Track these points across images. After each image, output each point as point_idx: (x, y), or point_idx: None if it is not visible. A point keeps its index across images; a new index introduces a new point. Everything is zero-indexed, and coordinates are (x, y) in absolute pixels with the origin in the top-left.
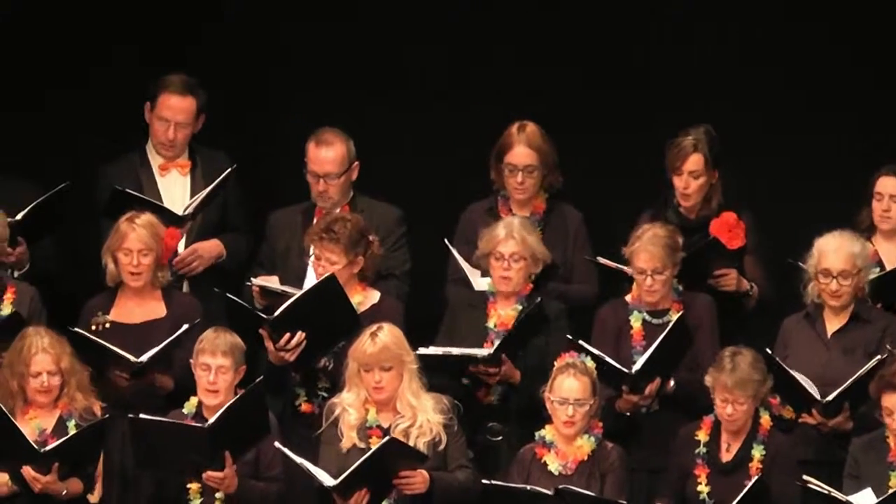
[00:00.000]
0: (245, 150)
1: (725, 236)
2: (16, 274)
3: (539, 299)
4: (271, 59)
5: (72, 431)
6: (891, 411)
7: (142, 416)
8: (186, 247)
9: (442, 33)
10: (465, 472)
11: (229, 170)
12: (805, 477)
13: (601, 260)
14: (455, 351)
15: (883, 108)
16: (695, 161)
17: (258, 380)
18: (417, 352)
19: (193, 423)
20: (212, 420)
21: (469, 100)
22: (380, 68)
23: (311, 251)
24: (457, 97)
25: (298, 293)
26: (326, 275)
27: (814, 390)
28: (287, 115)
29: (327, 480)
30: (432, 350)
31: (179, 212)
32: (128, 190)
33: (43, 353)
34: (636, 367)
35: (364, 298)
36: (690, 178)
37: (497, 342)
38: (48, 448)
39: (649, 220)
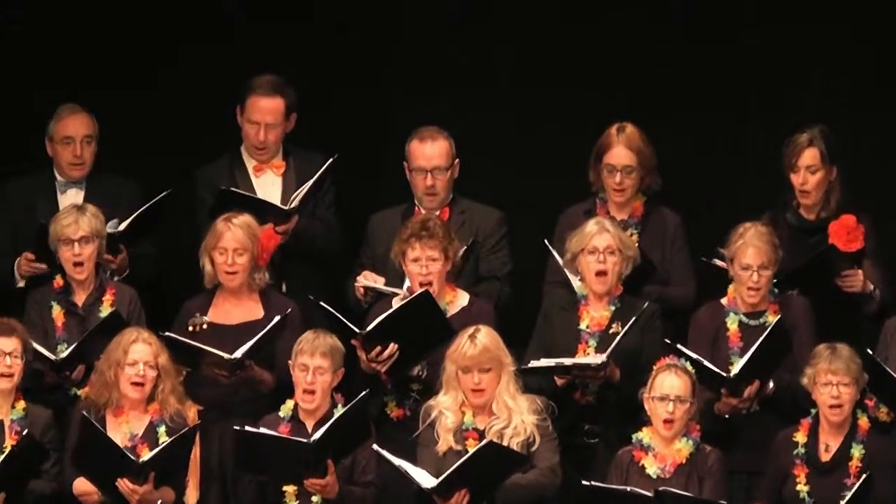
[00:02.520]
0: (342, 149)
1: (844, 238)
2: (115, 278)
3: (647, 304)
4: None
5: (162, 437)
6: None
7: (248, 428)
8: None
9: (541, 36)
10: (535, 472)
11: (331, 160)
12: None
13: (715, 261)
14: (567, 361)
15: None
16: (811, 156)
17: (363, 394)
18: (529, 365)
19: (299, 439)
20: (317, 435)
21: (567, 100)
22: (476, 70)
23: (407, 256)
24: (554, 97)
25: (393, 307)
26: (421, 290)
27: None
28: (387, 116)
29: (426, 482)
30: (545, 362)
31: (285, 207)
32: (233, 189)
33: (143, 343)
34: (735, 370)
35: (454, 300)
36: (808, 173)
37: (594, 344)
38: (146, 458)
39: (769, 222)
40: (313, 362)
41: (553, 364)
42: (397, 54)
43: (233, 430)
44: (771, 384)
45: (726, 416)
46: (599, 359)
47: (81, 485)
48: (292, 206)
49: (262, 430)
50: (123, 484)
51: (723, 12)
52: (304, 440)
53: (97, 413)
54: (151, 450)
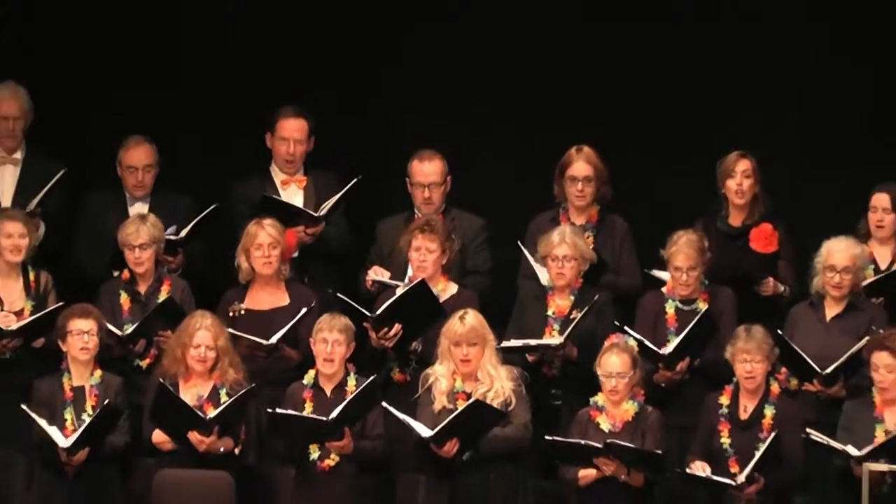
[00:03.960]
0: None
1: (763, 243)
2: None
3: (597, 296)
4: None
5: (223, 399)
6: (877, 367)
7: (278, 410)
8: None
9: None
10: (511, 427)
11: (355, 180)
12: (808, 430)
13: (654, 272)
14: (533, 342)
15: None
16: (745, 164)
17: (373, 377)
18: (501, 345)
19: (320, 418)
20: (334, 414)
21: (540, 131)
22: (476, 108)
23: (411, 246)
24: (530, 132)
25: (397, 294)
26: (419, 279)
27: (815, 365)
28: (388, 141)
29: (425, 432)
30: (514, 342)
31: (316, 214)
32: (274, 196)
33: (205, 330)
34: (669, 349)
35: (445, 288)
36: (743, 177)
37: (557, 328)
38: (211, 416)
39: (701, 227)
40: (331, 337)
41: (521, 344)
42: (397, 80)
43: (266, 413)
44: (697, 360)
45: (663, 384)
46: (558, 340)
47: (158, 436)
48: (322, 213)
49: (290, 412)
50: (193, 436)
51: (674, 44)
52: (324, 419)
53: (171, 379)
54: (215, 408)
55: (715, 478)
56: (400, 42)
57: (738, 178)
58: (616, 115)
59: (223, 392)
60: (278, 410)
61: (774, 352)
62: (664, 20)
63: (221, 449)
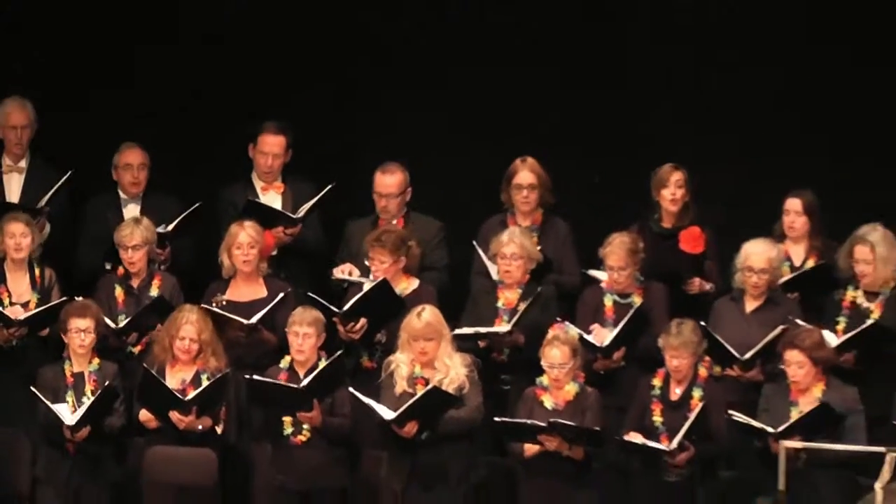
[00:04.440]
0: (327, 175)
1: (691, 244)
2: (162, 267)
3: (540, 289)
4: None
5: (204, 382)
6: (790, 363)
7: (255, 377)
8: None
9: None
10: (469, 408)
11: (329, 187)
12: (731, 411)
13: (591, 272)
14: (483, 330)
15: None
16: (678, 175)
17: (338, 353)
18: (455, 332)
19: (292, 385)
20: (304, 382)
21: (492, 141)
22: (435, 121)
23: (369, 257)
24: (484, 142)
25: (362, 291)
26: (381, 279)
27: (735, 352)
28: (360, 153)
29: (387, 415)
30: (466, 330)
31: (293, 216)
32: (257, 200)
33: (189, 324)
34: (606, 341)
35: (407, 285)
36: (676, 186)
37: (506, 318)
38: (190, 396)
39: (637, 230)
40: (302, 330)
41: (472, 332)
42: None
43: (245, 378)
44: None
45: (601, 371)
46: (506, 328)
47: (143, 415)
48: (299, 215)
49: (267, 378)
50: (174, 415)
51: (612, 61)
52: (296, 385)
53: (159, 365)
54: (196, 390)
55: (650, 444)
56: (372, 60)
57: (672, 188)
58: (561, 125)
59: (204, 377)
60: (255, 377)
61: (702, 345)
62: (612, 32)
63: (200, 427)
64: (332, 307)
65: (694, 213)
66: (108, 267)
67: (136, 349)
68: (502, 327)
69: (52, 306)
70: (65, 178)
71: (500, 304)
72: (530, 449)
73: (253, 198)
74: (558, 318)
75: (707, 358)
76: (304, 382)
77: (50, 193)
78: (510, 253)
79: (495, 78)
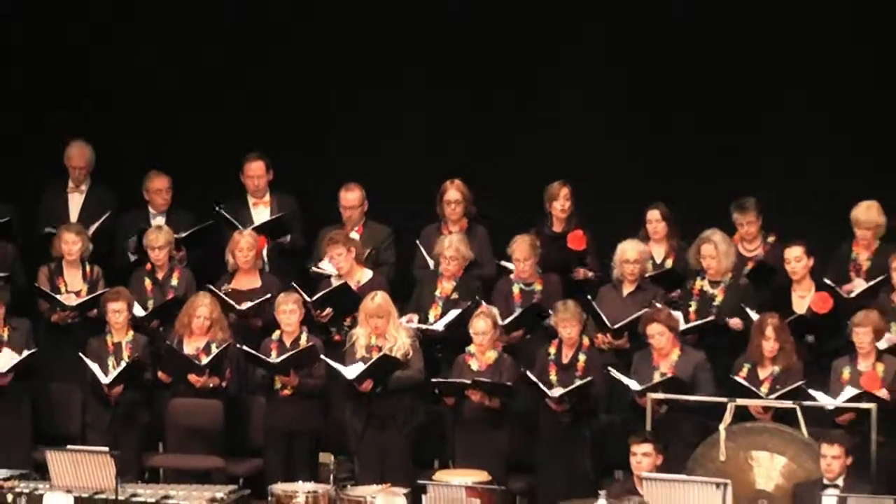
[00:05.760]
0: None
1: (577, 243)
2: (181, 264)
3: (471, 280)
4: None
5: (214, 351)
6: (652, 335)
7: (248, 349)
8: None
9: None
10: (412, 370)
11: (279, 214)
12: (609, 368)
13: (503, 263)
14: (423, 326)
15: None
16: (566, 190)
17: (311, 343)
18: (404, 323)
19: (269, 359)
20: (279, 360)
21: (429, 162)
22: (383, 144)
23: (327, 253)
24: (422, 162)
25: (329, 288)
26: (342, 282)
27: (608, 322)
28: (333, 178)
29: (349, 375)
30: (412, 325)
31: (259, 224)
32: (227, 216)
33: (203, 306)
34: (508, 320)
35: (362, 275)
36: (564, 199)
37: (441, 305)
38: (205, 362)
39: (535, 232)
40: (287, 308)
41: (415, 327)
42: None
43: (242, 350)
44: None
45: (509, 342)
46: (441, 327)
47: (163, 375)
48: (251, 228)
49: (253, 352)
50: (192, 377)
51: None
52: (271, 360)
53: (179, 336)
54: (208, 357)
55: (540, 384)
56: (340, 102)
57: (561, 200)
58: (478, 151)
59: (213, 346)
60: (245, 348)
61: (583, 316)
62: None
63: (210, 385)
64: (307, 296)
65: (577, 218)
66: (132, 259)
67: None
68: (438, 326)
69: (97, 295)
70: (104, 216)
71: (437, 293)
72: (451, 401)
73: (247, 212)
74: (483, 302)
75: (597, 335)
76: (277, 360)
77: (97, 224)
78: (450, 255)
79: (437, 118)
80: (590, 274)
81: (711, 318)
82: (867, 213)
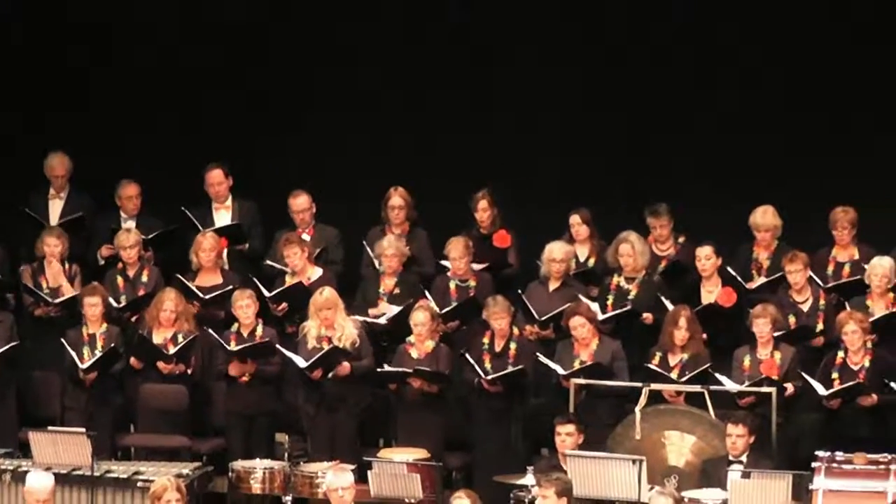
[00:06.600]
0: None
1: (500, 241)
2: (149, 263)
3: (412, 276)
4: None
5: (180, 341)
6: (575, 327)
7: (214, 334)
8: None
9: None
10: (367, 360)
11: (232, 223)
12: (538, 354)
13: (442, 262)
14: (369, 319)
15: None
16: (486, 199)
17: (267, 339)
18: (352, 316)
19: (229, 347)
20: (236, 349)
21: (374, 172)
22: (329, 155)
23: (283, 253)
24: (369, 172)
25: (284, 285)
26: (296, 281)
27: (535, 314)
28: (286, 186)
29: (302, 364)
30: (358, 318)
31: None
32: (214, 227)
33: (170, 300)
34: (447, 309)
35: (313, 272)
36: (483, 210)
37: (385, 300)
38: (172, 352)
39: (467, 234)
40: (244, 302)
41: (361, 319)
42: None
43: (205, 334)
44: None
45: (446, 332)
46: (384, 321)
47: (135, 361)
48: (209, 231)
49: (220, 340)
50: (161, 365)
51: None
52: (231, 349)
53: (149, 327)
54: (174, 347)
55: (477, 367)
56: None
57: (480, 210)
58: (423, 159)
59: (180, 336)
60: (215, 335)
61: (512, 309)
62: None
63: (177, 372)
64: (266, 292)
65: (501, 220)
66: (102, 262)
67: (134, 318)
68: (382, 320)
69: (76, 295)
70: (76, 215)
71: (381, 290)
72: (394, 386)
73: (211, 216)
74: (423, 295)
75: (526, 327)
76: (235, 349)
77: (72, 217)
78: (390, 253)
79: (380, 137)
80: (513, 269)
81: (628, 307)
82: (764, 216)
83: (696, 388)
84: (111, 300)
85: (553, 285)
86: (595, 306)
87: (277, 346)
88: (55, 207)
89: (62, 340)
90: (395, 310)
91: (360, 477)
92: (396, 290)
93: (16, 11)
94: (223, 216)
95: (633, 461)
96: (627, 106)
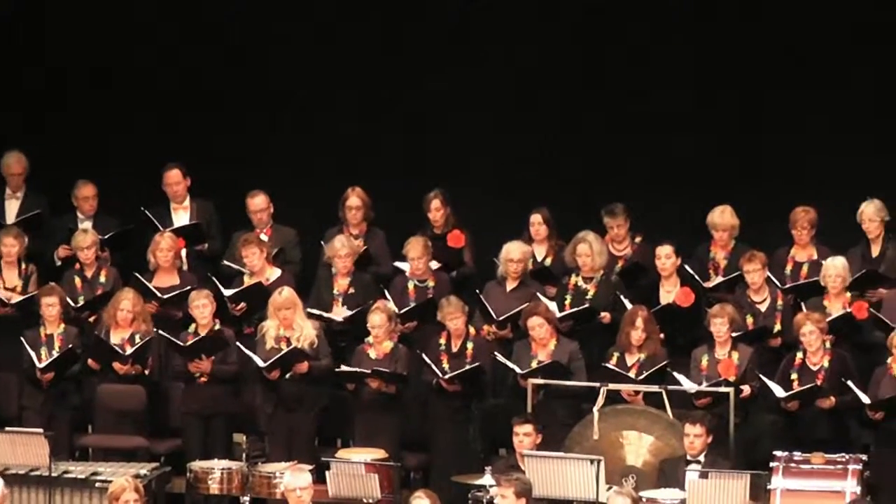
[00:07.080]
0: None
1: (455, 241)
2: (107, 263)
3: (368, 276)
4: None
5: (138, 342)
6: (533, 327)
7: (168, 336)
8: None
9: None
10: (326, 360)
11: (194, 222)
12: (496, 353)
13: (398, 264)
14: (326, 315)
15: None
16: (439, 199)
17: (219, 329)
18: (308, 310)
19: (182, 344)
20: (189, 343)
21: (335, 172)
22: (291, 157)
23: (241, 254)
24: (326, 173)
25: (242, 286)
26: (257, 280)
27: (493, 314)
28: (245, 185)
29: (261, 363)
30: (315, 312)
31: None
32: (172, 227)
33: (127, 300)
34: (405, 310)
35: (272, 273)
36: (436, 210)
37: (340, 300)
38: (129, 352)
39: (424, 234)
40: (201, 302)
41: (318, 314)
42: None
43: (161, 337)
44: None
45: (405, 332)
46: (340, 318)
47: (92, 363)
48: (170, 229)
49: (173, 339)
50: (117, 366)
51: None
52: (183, 345)
53: (106, 328)
54: (132, 347)
55: (434, 367)
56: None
57: (433, 210)
58: (379, 159)
59: (137, 337)
60: (169, 337)
61: (466, 309)
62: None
63: (133, 372)
64: (224, 291)
65: (455, 220)
66: (59, 264)
67: (92, 319)
68: (339, 317)
69: (34, 295)
70: (33, 213)
71: (336, 291)
72: (351, 386)
73: (168, 215)
74: (383, 295)
75: (483, 327)
76: (188, 343)
77: (30, 214)
78: (343, 254)
79: (341, 134)
80: (468, 270)
81: (586, 305)
82: (722, 216)
83: (654, 388)
84: (69, 300)
85: (510, 285)
86: (553, 306)
87: (238, 343)
88: (11, 207)
89: (21, 340)
90: (349, 313)
91: (318, 477)
92: (351, 290)
93: None
94: (181, 216)
95: (591, 461)
96: (584, 107)
